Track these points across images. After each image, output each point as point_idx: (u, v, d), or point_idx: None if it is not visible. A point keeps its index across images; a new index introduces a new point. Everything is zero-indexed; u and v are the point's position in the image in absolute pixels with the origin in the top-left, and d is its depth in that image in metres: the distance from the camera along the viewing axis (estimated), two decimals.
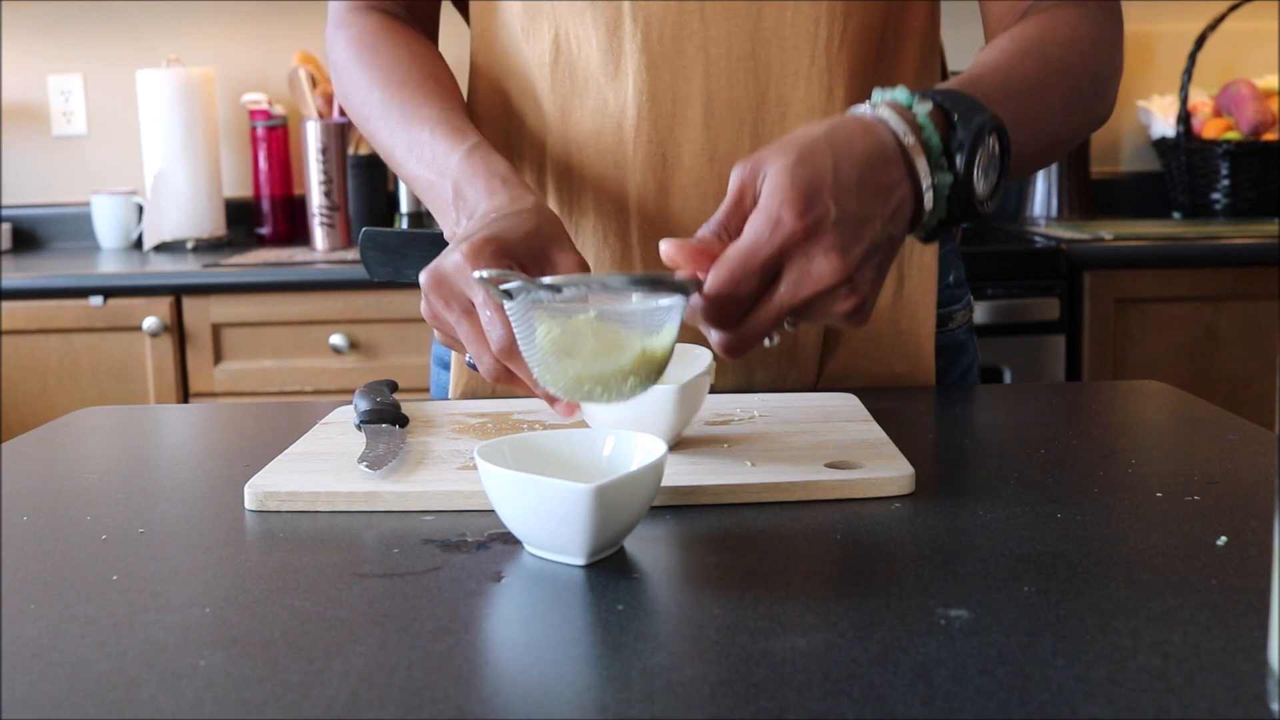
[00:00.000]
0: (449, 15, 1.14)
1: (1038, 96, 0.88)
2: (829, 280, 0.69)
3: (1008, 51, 0.89)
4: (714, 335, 0.71)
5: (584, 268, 0.80)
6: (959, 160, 0.75)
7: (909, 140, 0.74)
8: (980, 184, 0.76)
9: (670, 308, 0.69)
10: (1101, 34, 0.95)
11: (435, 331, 0.83)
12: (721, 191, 0.98)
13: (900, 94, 0.76)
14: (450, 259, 0.76)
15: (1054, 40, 0.91)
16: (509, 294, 0.69)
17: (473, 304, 0.76)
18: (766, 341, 0.73)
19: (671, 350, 0.70)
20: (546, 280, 0.68)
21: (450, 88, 1.01)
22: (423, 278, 0.78)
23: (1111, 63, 0.96)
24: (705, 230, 0.71)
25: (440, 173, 0.91)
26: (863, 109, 0.76)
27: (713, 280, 0.69)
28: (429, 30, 1.10)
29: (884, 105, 0.75)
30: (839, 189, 0.70)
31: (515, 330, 0.71)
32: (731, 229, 0.71)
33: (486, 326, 0.75)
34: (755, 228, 0.70)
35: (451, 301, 0.77)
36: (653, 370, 0.70)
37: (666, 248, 0.70)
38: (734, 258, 0.69)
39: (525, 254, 0.78)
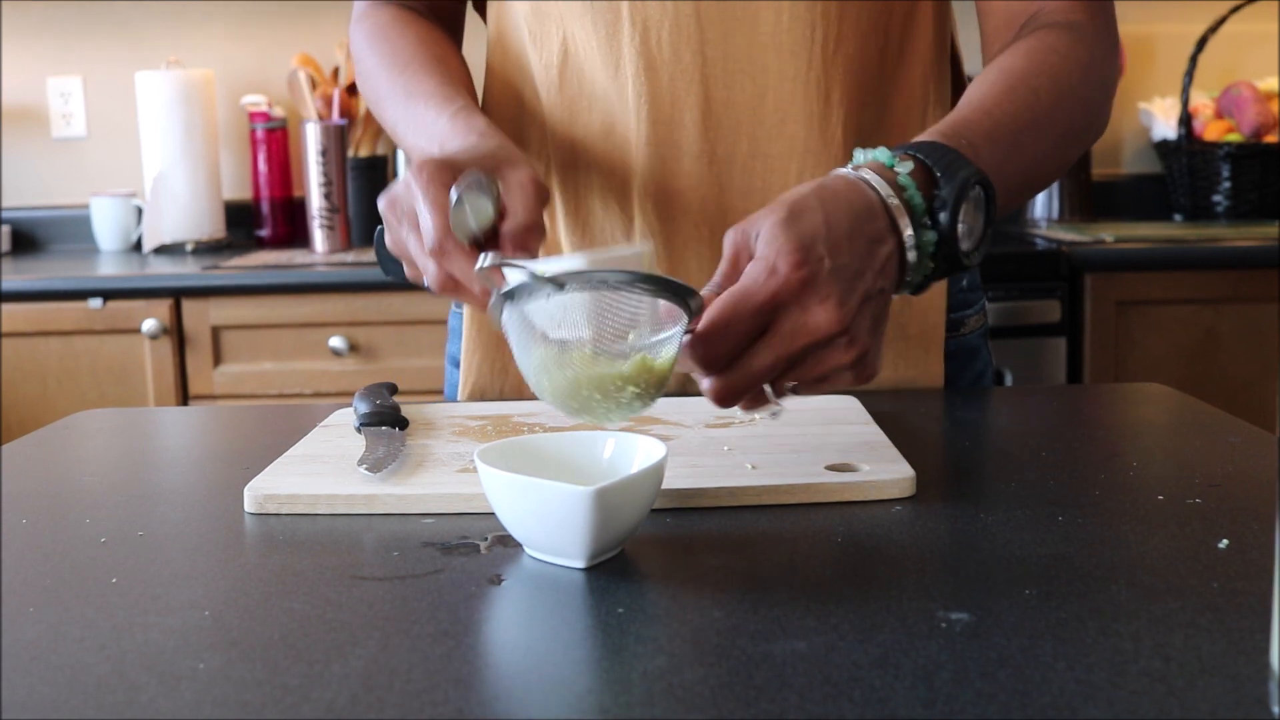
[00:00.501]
0: (471, 22, 1.14)
1: (1027, 134, 0.87)
2: (825, 330, 0.69)
3: (995, 87, 0.88)
4: (703, 382, 0.71)
5: (536, 184, 0.81)
6: (943, 217, 0.75)
7: (892, 201, 0.74)
8: (965, 239, 0.77)
9: (667, 339, 0.69)
10: (1093, 57, 0.94)
11: (403, 269, 0.84)
12: (720, 195, 0.99)
13: (881, 154, 0.77)
14: (401, 180, 0.80)
15: (1044, 71, 0.90)
16: (511, 297, 0.69)
17: (418, 215, 0.78)
18: (771, 414, 0.73)
19: (672, 367, 0.70)
20: (549, 274, 0.68)
21: (455, 67, 1.02)
22: (380, 202, 0.82)
23: (1104, 85, 0.96)
24: (704, 291, 0.72)
25: (429, 138, 0.93)
26: (845, 170, 0.76)
27: (704, 320, 0.69)
28: (451, 29, 1.11)
29: (865, 167, 0.76)
30: (831, 241, 0.70)
31: (511, 341, 0.71)
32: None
33: (422, 225, 0.77)
34: (751, 274, 0.70)
35: (402, 218, 0.80)
36: (653, 382, 0.70)
37: (665, 305, 0.70)
38: (727, 299, 0.69)
39: (475, 168, 0.80)
